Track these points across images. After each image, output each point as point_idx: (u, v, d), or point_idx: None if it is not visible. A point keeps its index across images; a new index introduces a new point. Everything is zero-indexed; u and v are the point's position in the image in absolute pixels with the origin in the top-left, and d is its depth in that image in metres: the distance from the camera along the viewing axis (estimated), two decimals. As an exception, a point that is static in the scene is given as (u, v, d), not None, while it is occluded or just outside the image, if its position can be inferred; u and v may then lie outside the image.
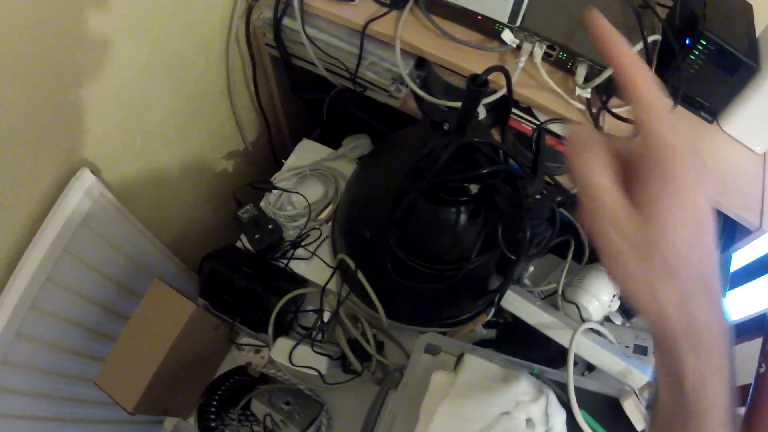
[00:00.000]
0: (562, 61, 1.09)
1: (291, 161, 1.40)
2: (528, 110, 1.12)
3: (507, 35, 1.07)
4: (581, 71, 1.05)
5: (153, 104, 1.12)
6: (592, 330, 1.09)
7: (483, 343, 1.21)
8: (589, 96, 1.06)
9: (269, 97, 1.57)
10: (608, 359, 1.05)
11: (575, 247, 1.24)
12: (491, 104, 1.12)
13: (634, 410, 0.98)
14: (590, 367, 1.11)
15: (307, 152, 1.41)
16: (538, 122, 1.11)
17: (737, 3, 1.16)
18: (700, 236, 0.41)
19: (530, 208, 0.80)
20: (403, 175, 0.85)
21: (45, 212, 0.96)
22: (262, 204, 1.30)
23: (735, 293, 1.27)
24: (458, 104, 1.13)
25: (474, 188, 0.86)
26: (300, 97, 1.46)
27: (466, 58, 1.10)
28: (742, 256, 1.21)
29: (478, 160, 0.86)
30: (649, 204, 0.41)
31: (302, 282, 1.21)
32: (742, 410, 0.95)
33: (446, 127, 0.87)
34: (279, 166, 1.40)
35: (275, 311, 1.11)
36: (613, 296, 1.15)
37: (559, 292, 1.19)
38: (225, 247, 1.23)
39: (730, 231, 1.16)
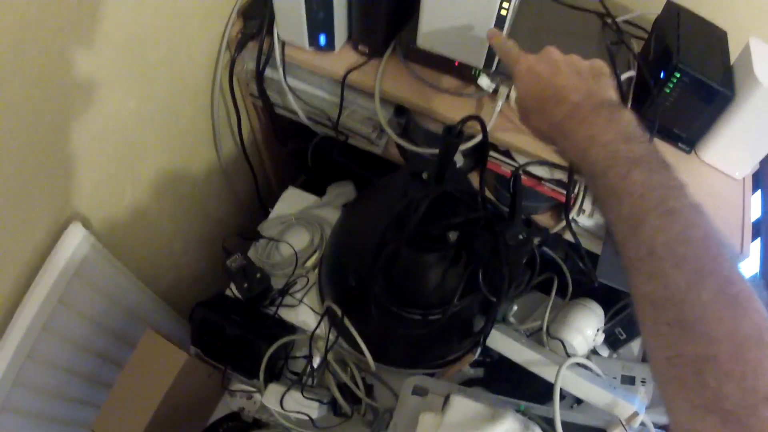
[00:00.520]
0: (538, 103, 1.11)
1: (277, 209, 1.42)
2: (506, 153, 1.14)
3: (483, 80, 1.09)
4: (557, 113, 1.07)
5: (141, 155, 1.14)
6: (578, 364, 1.11)
7: (471, 382, 1.22)
8: (565, 137, 1.08)
9: (254, 145, 1.59)
10: (595, 393, 1.07)
11: (558, 284, 1.26)
12: (470, 149, 1.13)
13: (622, 441, 1.00)
14: (579, 399, 1.13)
15: (292, 200, 1.43)
16: (516, 164, 1.13)
17: (711, 30, 1.17)
18: (535, 82, 0.72)
19: (508, 254, 0.83)
20: (385, 224, 0.87)
21: (39, 264, 0.97)
22: (250, 253, 1.31)
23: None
24: (437, 151, 1.16)
25: (454, 235, 0.88)
26: (285, 146, 1.48)
27: (444, 104, 1.12)
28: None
29: (457, 207, 0.88)
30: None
31: (291, 329, 1.22)
32: None
33: (425, 176, 0.90)
34: (266, 213, 1.42)
35: (266, 358, 1.12)
36: (597, 330, 1.17)
37: (544, 329, 1.20)
38: (215, 296, 1.24)
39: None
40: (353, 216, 1.15)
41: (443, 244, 0.89)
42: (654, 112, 1.11)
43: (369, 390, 1.17)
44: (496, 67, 1.07)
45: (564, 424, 0.98)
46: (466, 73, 1.12)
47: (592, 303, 1.20)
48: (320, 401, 1.12)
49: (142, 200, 1.20)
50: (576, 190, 1.12)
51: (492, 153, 1.14)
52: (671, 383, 0.50)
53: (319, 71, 1.19)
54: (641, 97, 1.14)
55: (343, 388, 1.14)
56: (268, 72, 1.24)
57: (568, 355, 1.14)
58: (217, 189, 1.52)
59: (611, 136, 0.61)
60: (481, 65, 1.07)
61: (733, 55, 1.12)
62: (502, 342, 1.13)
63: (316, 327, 1.15)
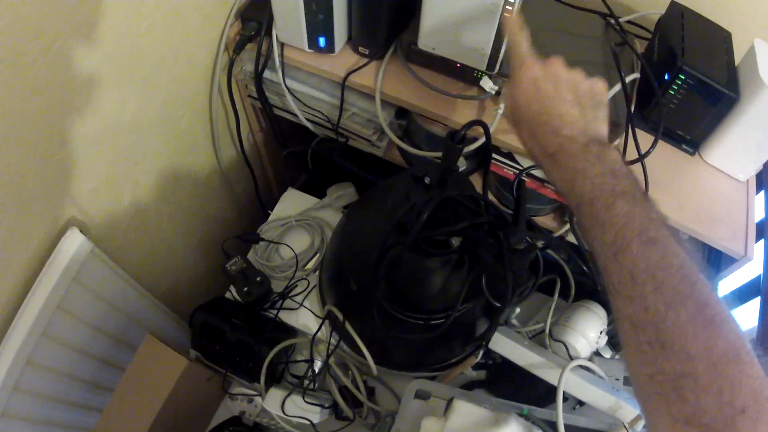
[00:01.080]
0: (540, 105, 1.10)
1: (277, 211, 1.41)
2: (509, 155, 1.13)
3: (486, 82, 1.08)
4: (560, 114, 1.06)
5: (140, 159, 1.14)
6: (581, 367, 1.10)
7: (473, 384, 1.22)
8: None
9: (254, 147, 1.59)
10: (597, 395, 1.06)
11: (561, 285, 1.25)
12: (472, 152, 1.13)
13: (625, 445, 1.00)
14: (581, 401, 1.12)
15: (292, 202, 1.42)
16: (519, 167, 1.12)
17: (716, 31, 1.16)
18: (535, 99, 0.71)
19: (512, 260, 0.82)
20: (387, 229, 0.86)
21: (37, 270, 0.97)
22: (249, 256, 1.31)
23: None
24: (439, 154, 1.15)
25: (457, 240, 0.87)
26: (284, 147, 1.47)
27: (446, 106, 1.11)
28: (727, 284, 1.22)
29: (460, 212, 0.87)
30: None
31: (292, 332, 1.22)
32: None
33: (427, 180, 0.89)
34: (266, 215, 1.41)
35: (266, 362, 1.12)
36: (600, 332, 1.17)
37: (547, 331, 1.20)
38: (215, 299, 1.23)
39: (716, 260, 1.17)
40: (354, 219, 1.14)
41: (446, 248, 0.88)
42: (658, 114, 1.11)
43: (370, 393, 1.17)
44: (499, 69, 1.06)
45: (567, 427, 0.98)
46: (468, 75, 1.11)
47: (594, 305, 1.19)
48: (322, 405, 1.11)
49: (141, 203, 1.19)
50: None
51: (495, 156, 1.13)
52: (652, 399, 0.53)
53: (318, 73, 1.19)
54: (645, 98, 1.14)
55: (344, 391, 1.13)
56: (267, 74, 1.23)
57: (571, 358, 1.14)
58: (216, 191, 1.51)
59: (599, 170, 0.64)
60: (483, 67, 1.06)
61: (738, 56, 1.11)
62: (504, 344, 1.12)
63: (317, 330, 1.15)
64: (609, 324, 1.20)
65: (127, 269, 1.18)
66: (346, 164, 1.41)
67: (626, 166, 0.65)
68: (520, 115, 0.74)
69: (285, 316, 1.22)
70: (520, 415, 0.98)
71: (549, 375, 1.10)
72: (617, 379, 1.21)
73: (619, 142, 1.09)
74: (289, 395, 1.11)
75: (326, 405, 1.12)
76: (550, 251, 1.25)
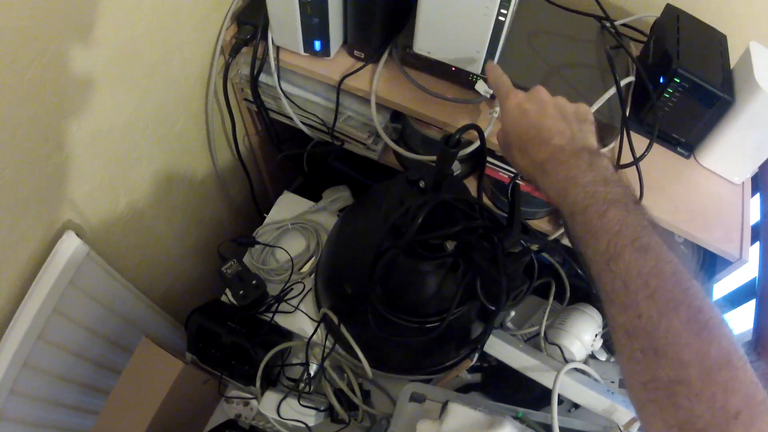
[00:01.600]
0: (536, 108, 1.10)
1: (272, 215, 1.41)
2: (504, 158, 1.13)
3: (481, 86, 1.08)
4: (555, 118, 1.06)
5: (136, 162, 1.14)
6: (576, 369, 1.10)
7: (468, 387, 1.22)
8: (563, 143, 1.07)
9: (249, 150, 1.59)
10: (592, 398, 1.07)
11: (556, 288, 1.25)
12: (466, 155, 1.13)
13: (619, 448, 1.00)
14: (576, 404, 1.12)
15: (288, 205, 1.42)
16: (514, 171, 1.12)
17: (711, 34, 1.16)
18: (522, 119, 0.75)
19: (507, 263, 0.82)
20: (381, 232, 0.86)
21: (33, 274, 0.97)
22: (245, 259, 1.31)
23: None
24: (434, 157, 1.15)
25: (450, 244, 0.87)
26: (280, 151, 1.47)
27: (441, 109, 1.11)
28: (722, 286, 1.22)
29: (455, 215, 0.87)
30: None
31: (288, 335, 1.22)
32: None
33: (422, 184, 0.89)
34: (261, 218, 1.41)
35: (262, 365, 1.12)
36: (595, 335, 1.17)
37: (542, 334, 1.20)
38: (211, 302, 1.23)
39: (711, 263, 1.18)
40: (349, 223, 1.14)
41: (441, 252, 0.88)
42: (653, 117, 1.11)
43: (366, 396, 1.17)
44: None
45: (562, 430, 0.98)
46: (463, 79, 1.11)
47: (589, 308, 1.20)
48: (317, 408, 1.11)
49: (137, 206, 1.19)
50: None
51: (489, 159, 1.13)
52: (647, 406, 0.53)
53: (314, 76, 1.19)
54: (640, 101, 1.14)
55: (339, 394, 1.14)
56: (263, 77, 1.23)
57: (566, 361, 1.14)
58: (212, 194, 1.52)
59: (590, 178, 0.65)
60: (478, 71, 1.06)
61: (733, 59, 1.11)
62: (499, 347, 1.13)
63: (313, 334, 1.15)
64: (604, 327, 1.20)
65: (123, 272, 1.18)
66: (342, 167, 1.42)
67: (617, 173, 0.66)
68: (509, 139, 0.78)
69: (280, 320, 1.22)
70: (516, 418, 0.99)
71: (544, 378, 1.10)
72: (612, 382, 1.21)
73: (614, 145, 1.10)
74: (284, 398, 1.11)
75: (322, 408, 1.12)
76: (545, 254, 1.25)
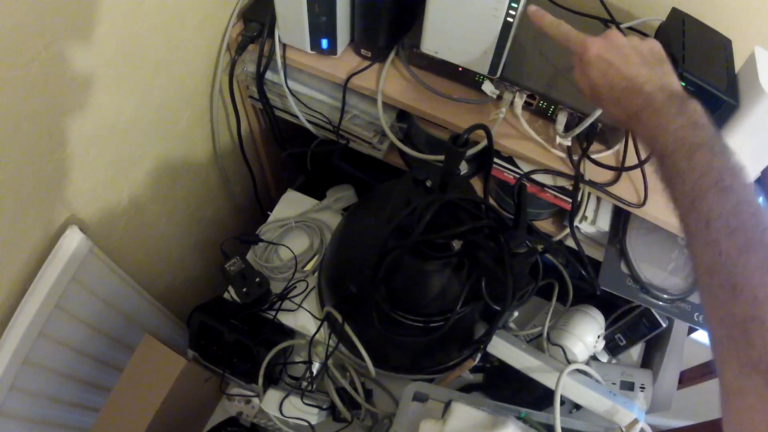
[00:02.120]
0: (542, 109, 1.10)
1: (276, 212, 1.41)
2: (509, 159, 1.13)
3: (487, 86, 1.08)
4: (561, 119, 1.06)
5: (139, 159, 1.13)
6: (578, 371, 1.11)
7: (471, 387, 1.22)
8: (569, 144, 1.07)
9: (253, 148, 1.59)
10: (595, 399, 1.07)
11: (559, 290, 1.26)
12: (472, 155, 1.13)
13: (621, 449, 1.00)
14: (578, 405, 1.13)
15: (291, 203, 1.42)
16: (520, 172, 1.12)
17: (716, 38, 1.16)
18: (609, 71, 0.76)
19: (512, 264, 0.82)
20: (387, 232, 0.86)
21: (36, 269, 0.97)
22: (248, 256, 1.31)
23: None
24: (440, 157, 1.15)
25: (457, 244, 0.87)
26: (284, 149, 1.47)
27: (447, 110, 1.11)
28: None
29: (461, 216, 0.88)
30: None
31: (290, 334, 1.22)
32: None
33: (429, 184, 0.90)
34: (264, 216, 1.41)
35: (264, 363, 1.12)
36: (598, 337, 1.17)
37: (545, 335, 1.20)
38: (213, 300, 1.23)
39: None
40: (354, 221, 1.14)
41: (446, 252, 0.88)
42: (657, 120, 1.10)
43: (368, 395, 1.17)
44: (501, 73, 1.06)
45: (564, 430, 0.98)
46: (469, 79, 1.11)
47: (592, 309, 1.20)
48: (319, 407, 1.11)
49: (140, 203, 1.19)
50: (579, 198, 1.12)
51: (495, 160, 1.13)
52: (722, 343, 0.55)
53: (320, 75, 1.19)
54: (645, 104, 1.13)
55: (342, 393, 1.14)
56: (269, 75, 1.23)
57: (569, 362, 1.14)
58: (214, 191, 1.51)
59: (679, 123, 0.67)
60: (485, 71, 1.06)
61: (738, 63, 1.11)
62: (502, 348, 1.13)
63: (316, 332, 1.15)
64: (606, 328, 1.21)
65: (126, 269, 1.17)
66: (345, 166, 1.42)
67: (706, 116, 0.68)
68: (600, 91, 0.79)
69: (283, 318, 1.22)
70: (518, 418, 0.99)
71: (546, 378, 1.10)
72: (614, 384, 1.22)
73: (619, 147, 1.10)
74: (287, 396, 1.11)
75: (324, 407, 1.12)
76: (548, 255, 1.26)
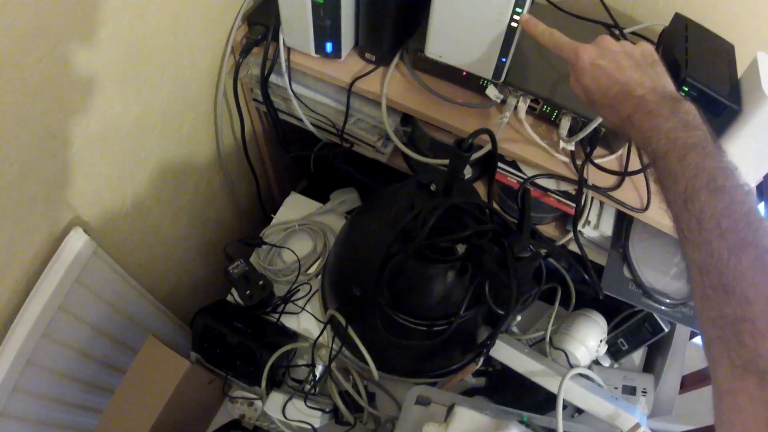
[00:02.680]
0: (546, 113, 1.10)
1: (280, 215, 1.41)
2: (513, 164, 1.13)
3: (491, 91, 1.08)
4: (565, 123, 1.06)
5: (143, 161, 1.14)
6: (580, 375, 1.11)
7: (473, 391, 1.22)
8: (573, 148, 1.08)
9: (257, 151, 1.59)
10: (597, 404, 1.07)
11: (562, 294, 1.26)
12: (475, 159, 1.13)
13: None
14: (580, 409, 1.13)
15: (295, 206, 1.42)
16: (523, 177, 1.13)
17: (719, 43, 1.16)
18: (602, 76, 0.77)
19: (516, 268, 0.82)
20: (391, 236, 0.87)
21: (39, 271, 0.97)
22: (252, 259, 1.31)
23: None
24: (444, 161, 1.15)
25: (461, 248, 0.87)
26: (288, 152, 1.47)
27: (451, 114, 1.11)
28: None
29: (465, 220, 0.88)
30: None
31: (293, 336, 1.22)
32: None
33: (433, 187, 0.90)
34: (267, 219, 1.42)
35: (267, 366, 1.12)
36: (600, 341, 1.18)
37: (547, 339, 1.20)
38: (216, 302, 1.23)
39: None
40: (358, 225, 1.14)
41: (450, 256, 0.88)
42: (660, 125, 1.10)
43: (371, 398, 1.17)
44: (505, 77, 1.06)
45: (566, 435, 0.98)
46: (473, 83, 1.11)
47: (595, 314, 1.20)
48: (322, 410, 1.11)
49: (143, 205, 1.19)
50: (582, 202, 1.12)
51: (499, 164, 1.13)
52: (714, 344, 0.55)
53: (324, 78, 1.19)
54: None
55: (345, 396, 1.14)
56: (273, 78, 1.23)
57: (571, 366, 1.14)
58: (218, 194, 1.51)
59: (672, 124, 0.68)
60: (489, 76, 1.06)
61: (741, 68, 1.11)
62: (505, 352, 1.13)
63: (319, 335, 1.15)
64: (609, 333, 1.21)
65: (129, 271, 1.18)
66: (349, 169, 1.42)
67: (700, 117, 0.69)
68: (594, 96, 0.80)
69: (287, 320, 1.22)
70: (521, 422, 0.99)
71: (549, 383, 1.10)
72: (616, 388, 1.21)
73: (622, 152, 1.10)
74: (290, 399, 1.12)
75: (327, 410, 1.13)
76: (551, 260, 1.26)
